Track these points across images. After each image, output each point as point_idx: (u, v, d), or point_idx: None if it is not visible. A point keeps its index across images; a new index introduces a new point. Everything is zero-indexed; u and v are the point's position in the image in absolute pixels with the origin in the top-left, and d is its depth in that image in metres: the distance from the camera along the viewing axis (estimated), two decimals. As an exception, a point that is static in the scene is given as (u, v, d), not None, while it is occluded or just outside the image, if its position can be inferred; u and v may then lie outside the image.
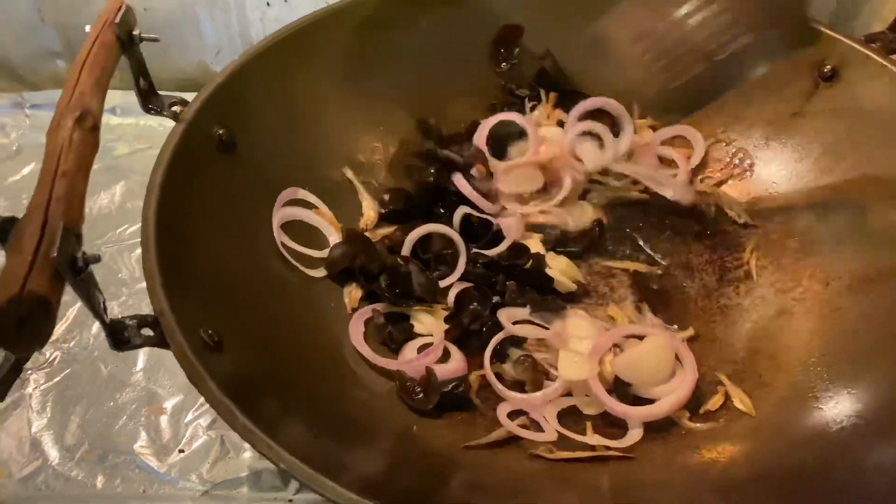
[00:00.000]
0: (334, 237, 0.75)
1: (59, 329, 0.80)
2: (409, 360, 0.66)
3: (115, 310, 0.82)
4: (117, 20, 0.61)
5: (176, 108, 0.67)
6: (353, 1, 0.77)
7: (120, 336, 0.49)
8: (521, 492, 0.57)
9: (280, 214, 0.72)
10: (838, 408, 0.59)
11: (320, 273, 0.72)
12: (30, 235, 0.44)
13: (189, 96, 0.68)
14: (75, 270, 0.44)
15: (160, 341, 0.50)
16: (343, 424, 0.58)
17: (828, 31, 0.74)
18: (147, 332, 0.51)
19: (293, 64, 0.74)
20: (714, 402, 0.64)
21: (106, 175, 0.98)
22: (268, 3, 1.02)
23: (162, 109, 0.67)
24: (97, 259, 0.45)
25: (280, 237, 0.71)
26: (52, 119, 0.53)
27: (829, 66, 0.74)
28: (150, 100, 0.67)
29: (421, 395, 0.62)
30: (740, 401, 0.63)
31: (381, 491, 0.45)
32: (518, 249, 0.73)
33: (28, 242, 0.43)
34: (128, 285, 0.85)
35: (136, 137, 1.03)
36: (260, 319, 0.62)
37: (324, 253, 0.73)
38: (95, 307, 0.47)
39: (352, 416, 0.61)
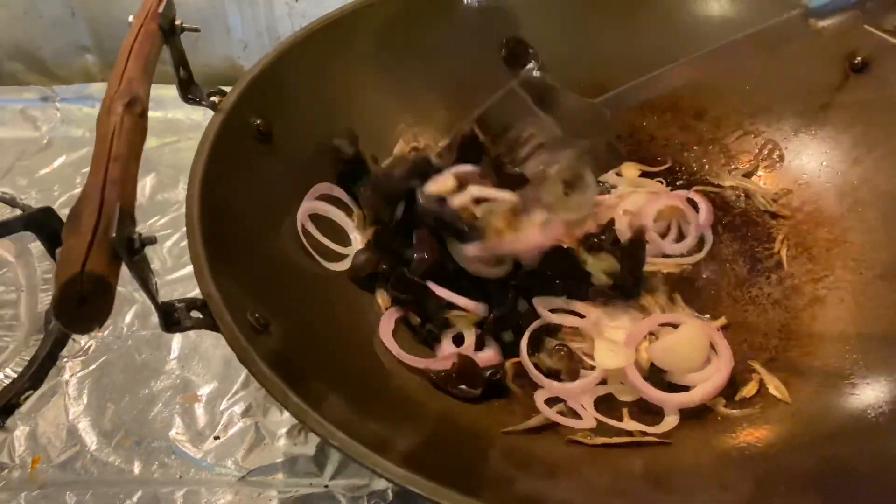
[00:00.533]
0: (359, 242, 0.75)
1: (95, 318, 0.81)
2: (443, 356, 0.66)
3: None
4: (160, 10, 0.62)
5: (214, 99, 0.68)
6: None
7: (171, 318, 0.50)
8: (559, 472, 0.57)
9: (309, 206, 0.72)
10: (875, 394, 0.60)
11: (341, 267, 0.72)
12: (88, 217, 0.45)
13: (219, 91, 0.69)
14: (132, 251, 0.45)
15: (210, 323, 0.51)
16: (383, 408, 0.59)
17: (858, 23, 0.74)
18: (196, 314, 0.51)
19: (327, 55, 0.75)
20: (749, 390, 0.64)
21: None
22: (295, -2, 1.03)
23: (201, 99, 0.68)
24: (153, 240, 0.46)
25: (305, 224, 0.71)
26: (101, 105, 0.54)
27: (859, 58, 0.75)
28: (189, 90, 0.68)
29: (464, 386, 0.63)
30: (776, 388, 0.64)
31: (424, 466, 0.45)
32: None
33: (86, 224, 0.44)
34: (160, 276, 0.86)
35: (164, 131, 1.04)
36: (301, 306, 0.63)
37: (347, 250, 0.73)
38: (150, 288, 0.47)
39: (390, 401, 0.61)
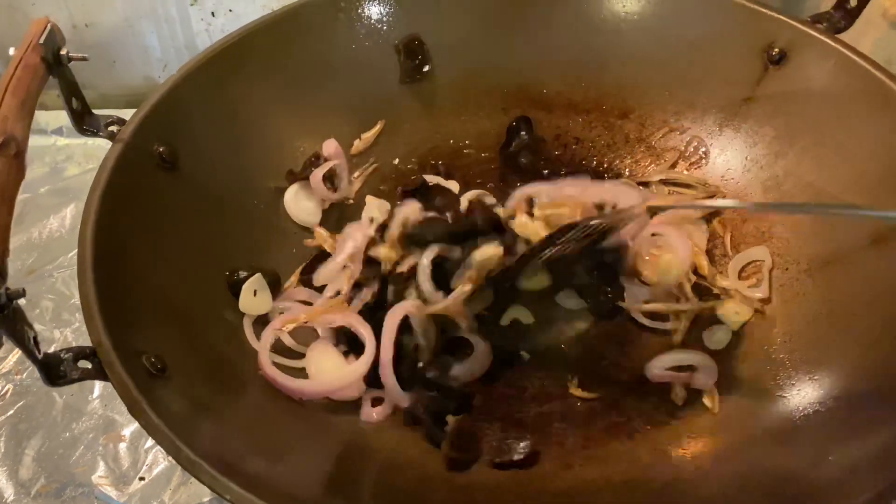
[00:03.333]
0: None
1: (10, 361, 0.78)
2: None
3: (68, 337, 0.80)
4: (42, 41, 0.59)
5: (113, 128, 0.65)
6: (289, 10, 0.76)
7: (55, 371, 0.48)
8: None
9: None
10: (801, 396, 0.59)
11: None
12: (-52, 273, 0.42)
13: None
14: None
15: (98, 373, 0.48)
16: (288, 450, 0.56)
17: (773, 14, 0.74)
18: (85, 364, 0.49)
19: (227, 77, 0.72)
20: (680, 398, 0.63)
21: (57, 197, 0.95)
22: (212, 14, 1.00)
23: (98, 130, 0.65)
24: (21, 294, 0.43)
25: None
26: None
27: (777, 49, 0.74)
28: (84, 120, 0.65)
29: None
30: (709, 397, 0.63)
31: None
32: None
33: (-55, 280, 0.42)
34: (81, 311, 0.82)
35: (86, 157, 1.01)
36: (207, 344, 0.60)
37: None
38: (24, 344, 0.45)
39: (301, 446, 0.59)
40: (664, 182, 0.80)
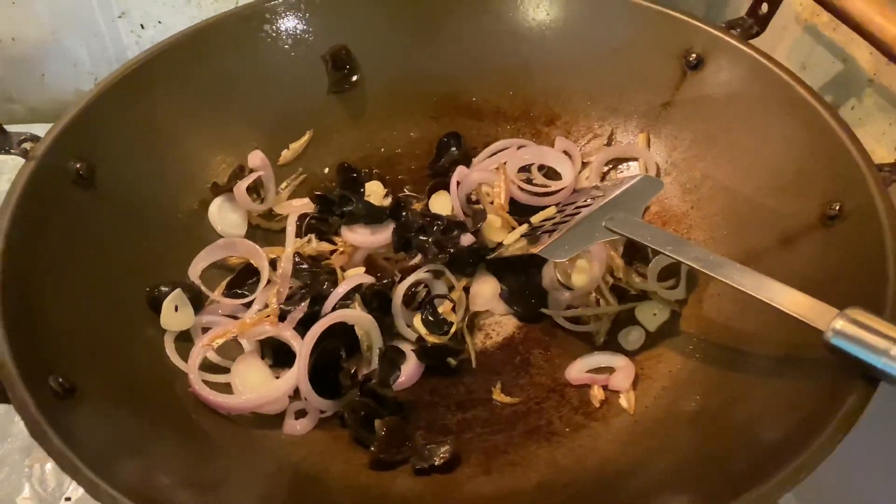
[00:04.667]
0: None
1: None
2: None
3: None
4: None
5: (26, 146, 0.64)
6: (213, 22, 0.75)
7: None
8: None
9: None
10: (714, 392, 0.60)
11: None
12: None
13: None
14: None
15: (1, 395, 0.48)
16: (211, 461, 0.56)
17: (690, 19, 0.75)
18: (-12, 386, 0.48)
19: (151, 90, 0.72)
20: (597, 399, 0.64)
21: None
22: (142, 26, 0.99)
23: (10, 148, 0.64)
24: None
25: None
26: None
27: (694, 55, 0.75)
28: (-5, 138, 0.64)
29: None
30: (625, 397, 0.64)
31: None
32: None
33: None
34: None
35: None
36: (124, 363, 0.60)
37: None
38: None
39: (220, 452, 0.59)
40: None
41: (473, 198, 0.78)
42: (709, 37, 0.75)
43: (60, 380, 0.51)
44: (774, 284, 0.54)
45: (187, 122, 0.74)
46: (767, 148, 0.70)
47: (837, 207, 0.61)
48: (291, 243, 0.72)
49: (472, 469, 0.59)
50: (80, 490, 0.67)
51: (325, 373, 0.63)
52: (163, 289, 0.66)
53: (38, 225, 0.60)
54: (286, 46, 0.80)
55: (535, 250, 0.67)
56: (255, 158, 0.77)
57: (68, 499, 0.69)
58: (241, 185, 0.75)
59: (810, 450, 0.47)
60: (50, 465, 0.71)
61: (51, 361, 0.53)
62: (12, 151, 0.64)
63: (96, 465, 0.45)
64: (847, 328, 0.48)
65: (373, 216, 0.75)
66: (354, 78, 0.83)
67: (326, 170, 0.83)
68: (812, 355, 0.53)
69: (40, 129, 0.67)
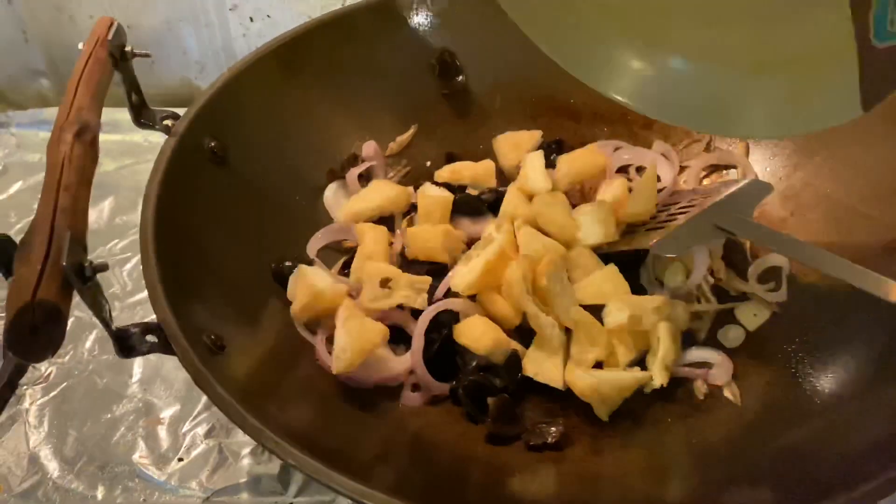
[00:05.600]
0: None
1: (54, 344, 0.80)
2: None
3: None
4: (110, 37, 0.62)
5: (168, 122, 0.69)
6: (337, 15, 0.79)
7: (125, 343, 0.51)
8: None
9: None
10: (819, 390, 0.62)
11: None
12: (38, 246, 0.45)
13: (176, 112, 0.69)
14: (83, 278, 0.46)
15: (165, 347, 0.51)
16: (344, 425, 0.59)
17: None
18: (152, 338, 0.52)
19: (280, 76, 0.76)
20: (702, 392, 0.66)
21: (93, 191, 0.95)
22: (251, 19, 1.04)
23: (154, 123, 0.68)
24: (105, 267, 0.46)
25: None
26: (51, 134, 0.55)
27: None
28: (142, 114, 0.68)
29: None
30: (729, 390, 0.66)
31: (386, 482, 0.46)
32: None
33: (37, 253, 0.45)
34: (120, 299, 0.85)
35: (122, 153, 1.04)
36: (260, 327, 0.63)
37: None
38: (103, 315, 0.48)
39: (351, 419, 0.62)
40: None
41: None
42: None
43: (213, 337, 0.55)
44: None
45: (311, 109, 0.78)
46: (871, 156, 0.72)
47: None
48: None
49: (581, 449, 0.62)
50: (193, 452, 0.72)
51: (440, 356, 0.66)
52: (287, 264, 0.70)
53: (181, 193, 0.64)
54: (404, 42, 0.83)
55: (647, 245, 0.69)
56: (369, 148, 0.81)
57: (181, 459, 0.72)
58: (354, 173, 0.79)
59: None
60: (163, 428, 0.74)
61: (201, 322, 0.56)
62: (156, 127, 0.68)
63: (256, 412, 0.48)
64: None
65: (474, 209, 0.78)
66: (459, 79, 0.87)
67: (429, 163, 0.87)
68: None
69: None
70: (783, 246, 0.62)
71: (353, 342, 0.62)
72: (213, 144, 0.70)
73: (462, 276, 0.67)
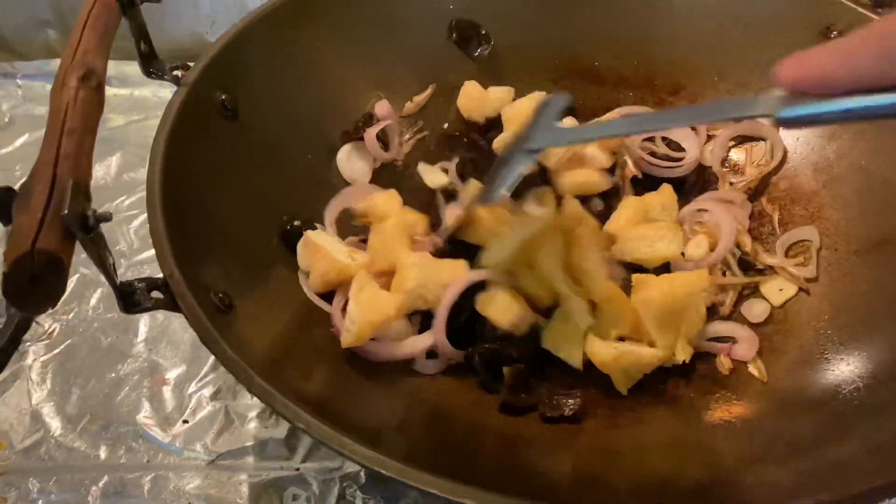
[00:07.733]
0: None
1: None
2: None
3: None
4: (118, -20, 0.59)
5: (178, 73, 0.66)
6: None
7: (130, 299, 0.49)
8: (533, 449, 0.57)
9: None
10: (850, 370, 0.60)
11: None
12: (38, 193, 0.43)
13: (187, 66, 0.67)
14: (86, 228, 0.43)
15: (171, 303, 0.49)
16: (353, 390, 0.57)
17: (836, -3, 0.74)
18: (157, 294, 0.50)
19: (293, 28, 0.73)
20: (725, 367, 0.64)
21: (101, 146, 0.90)
22: (264, -28, 1.00)
23: (164, 74, 0.66)
24: (108, 217, 0.44)
25: None
26: (55, 78, 0.52)
27: (836, 32, 0.74)
28: (151, 64, 0.66)
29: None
30: (754, 366, 0.63)
31: (395, 448, 0.44)
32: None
33: (37, 200, 0.43)
34: (126, 257, 0.83)
35: (130, 108, 1.01)
36: (268, 288, 0.61)
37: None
38: (106, 268, 0.46)
39: (360, 384, 0.60)
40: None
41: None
42: (853, 14, 0.73)
43: (221, 295, 0.53)
44: None
45: (323, 63, 0.75)
46: (908, 130, 0.69)
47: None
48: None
49: (598, 422, 0.60)
50: (199, 414, 0.71)
51: (457, 324, 0.64)
52: (296, 222, 0.68)
53: (189, 147, 0.61)
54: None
55: (475, 206, 0.67)
56: (383, 108, 0.78)
57: (186, 421, 0.71)
58: (372, 132, 0.76)
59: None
60: (168, 389, 0.73)
61: (209, 279, 0.54)
62: (166, 77, 0.65)
63: (264, 373, 0.46)
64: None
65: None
66: (478, 50, 0.84)
67: (446, 125, 0.84)
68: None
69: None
70: (608, 129, 0.63)
71: (362, 314, 0.59)
72: (223, 97, 0.67)
73: (494, 254, 0.65)
